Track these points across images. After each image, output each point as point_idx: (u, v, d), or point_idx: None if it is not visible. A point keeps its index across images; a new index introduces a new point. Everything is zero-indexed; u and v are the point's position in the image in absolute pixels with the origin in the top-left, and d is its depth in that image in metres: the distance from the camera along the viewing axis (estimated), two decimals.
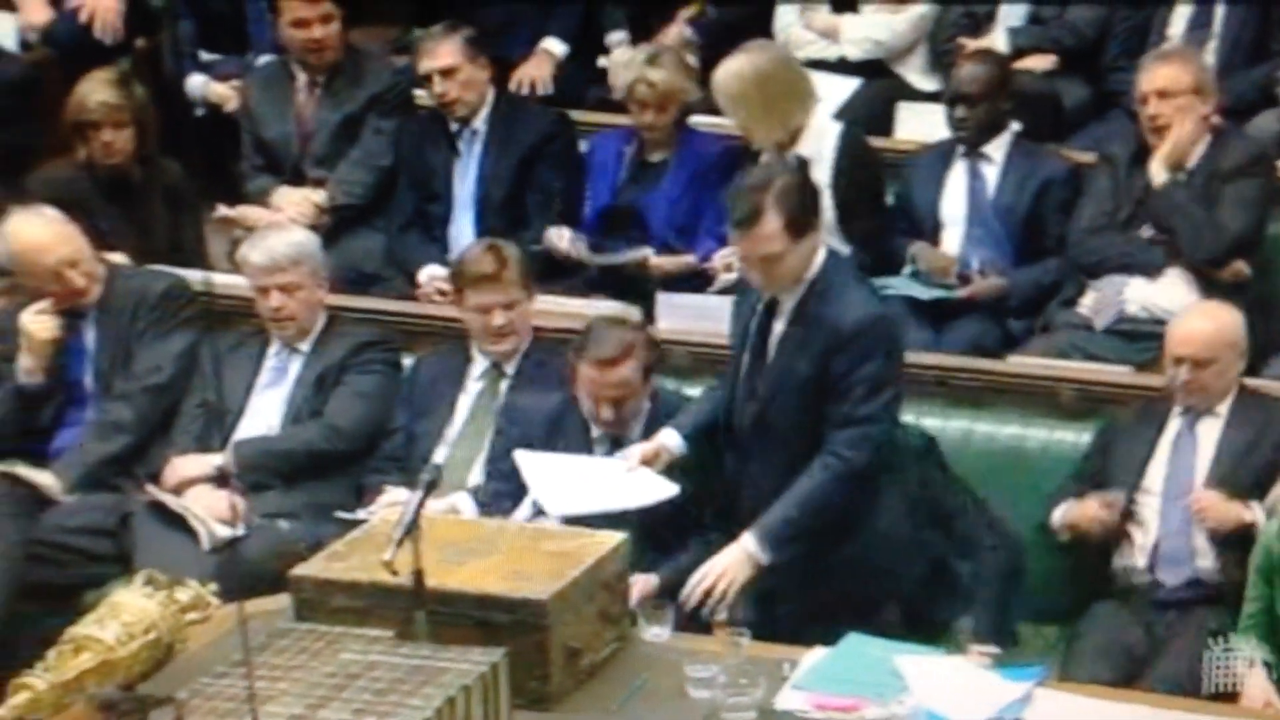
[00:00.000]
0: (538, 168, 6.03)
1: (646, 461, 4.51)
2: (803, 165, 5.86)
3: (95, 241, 5.63)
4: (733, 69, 5.79)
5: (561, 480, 4.32)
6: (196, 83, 6.77)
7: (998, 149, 5.87)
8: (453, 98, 6.04)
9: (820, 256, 4.47)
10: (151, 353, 5.48)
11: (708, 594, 4.42)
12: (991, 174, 5.87)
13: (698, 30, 6.74)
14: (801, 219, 4.41)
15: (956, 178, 5.89)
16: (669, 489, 4.34)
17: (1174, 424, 4.94)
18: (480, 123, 6.08)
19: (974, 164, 5.88)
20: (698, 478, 4.67)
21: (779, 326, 4.48)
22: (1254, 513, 4.76)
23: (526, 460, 4.35)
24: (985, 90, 5.80)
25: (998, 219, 5.83)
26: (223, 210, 6.22)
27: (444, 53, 6.03)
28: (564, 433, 4.86)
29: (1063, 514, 4.95)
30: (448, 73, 6.02)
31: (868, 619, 4.35)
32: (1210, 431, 4.90)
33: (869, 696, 4.01)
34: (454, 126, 6.09)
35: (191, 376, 5.46)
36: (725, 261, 5.65)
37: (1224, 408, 4.91)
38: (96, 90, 6.04)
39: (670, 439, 4.59)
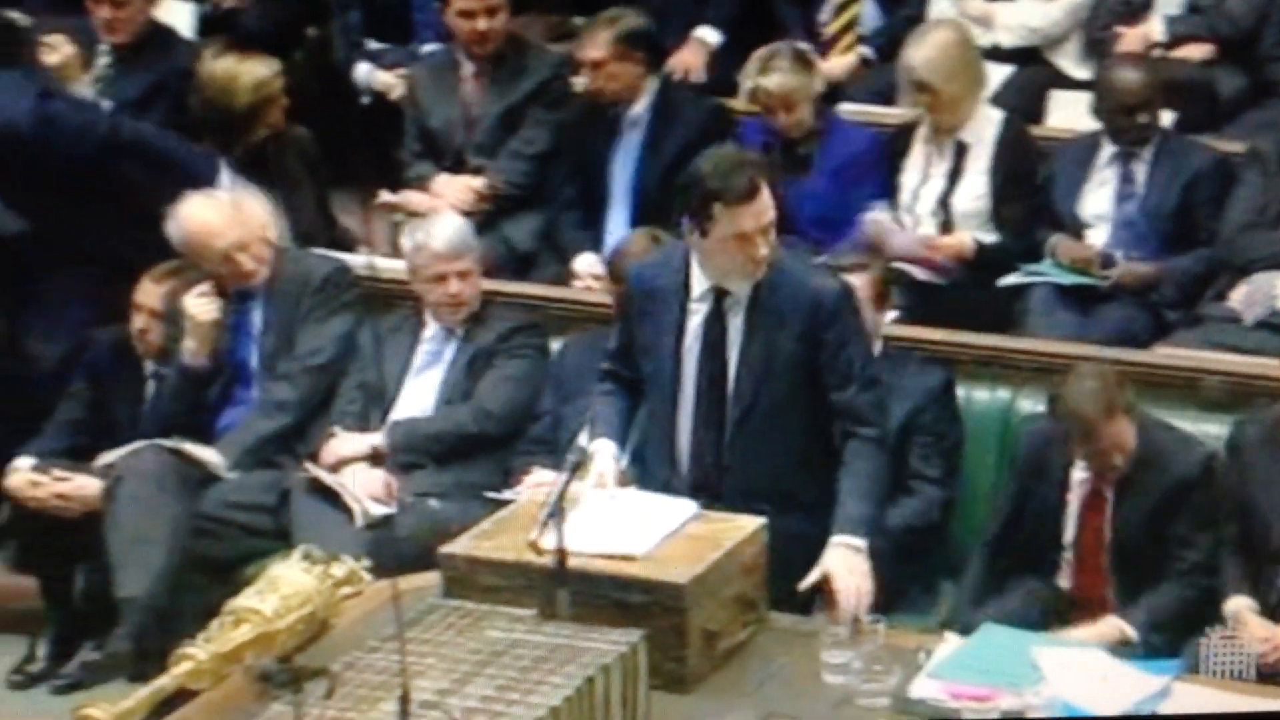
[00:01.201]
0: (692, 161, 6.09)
1: (623, 485, 4.48)
2: (962, 150, 5.89)
3: None
4: (944, 40, 5.83)
5: (605, 526, 4.24)
6: (362, 71, 6.92)
7: (1147, 147, 5.82)
8: (597, 88, 6.15)
9: None
10: (313, 334, 5.61)
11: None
12: (1141, 172, 5.82)
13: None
14: (776, 191, 4.45)
15: (1103, 175, 5.85)
16: (690, 506, 4.33)
17: None
18: (642, 110, 6.16)
19: (1124, 163, 5.84)
20: None
21: (736, 320, 4.45)
22: None
23: (576, 535, 4.17)
24: (1140, 101, 5.75)
25: (1145, 217, 5.79)
26: (385, 196, 6.36)
27: (594, 45, 6.13)
28: None
29: (1236, 615, 4.69)
30: (595, 65, 6.12)
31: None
32: None
33: (1004, 686, 4.02)
34: (615, 113, 6.16)
35: (351, 358, 5.59)
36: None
37: None
38: (258, 67, 6.14)
39: (614, 451, 4.50)
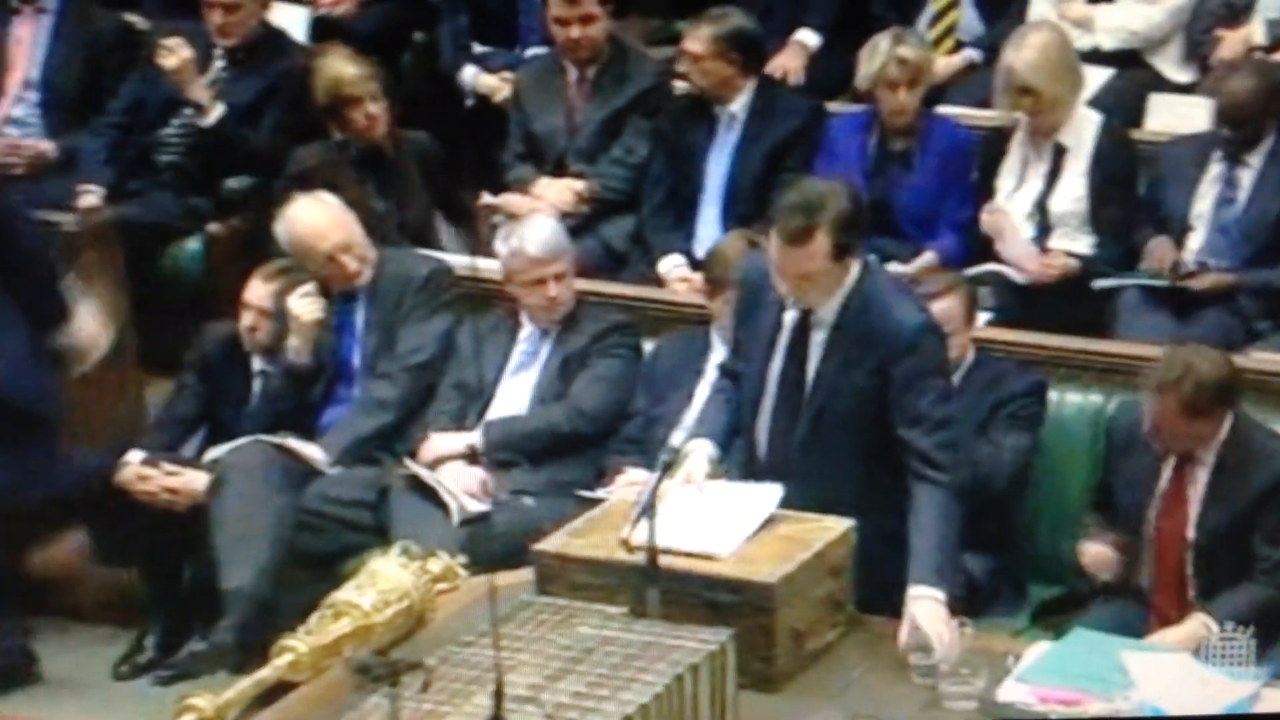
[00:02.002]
0: (787, 159, 6.11)
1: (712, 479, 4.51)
2: (1060, 153, 5.87)
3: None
4: (1045, 42, 5.83)
5: (692, 521, 4.30)
6: (468, 74, 7.00)
7: (1258, 154, 5.75)
8: (692, 79, 6.20)
9: (855, 271, 4.45)
10: (414, 334, 5.69)
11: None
12: (1246, 179, 5.75)
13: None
14: (847, 243, 4.40)
15: (1211, 179, 5.78)
16: (776, 491, 4.36)
17: None
18: (739, 108, 6.19)
19: (1230, 168, 5.77)
20: None
21: (819, 336, 4.47)
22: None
23: (663, 530, 4.21)
24: (1253, 111, 5.68)
25: (1239, 225, 5.71)
26: (487, 198, 6.44)
27: (695, 38, 6.18)
28: None
29: None
30: (694, 58, 6.18)
31: None
32: None
33: (1093, 691, 4.04)
34: (715, 110, 6.22)
35: (449, 357, 5.66)
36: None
37: None
38: (346, 66, 6.25)
39: (710, 451, 4.52)
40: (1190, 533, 4.77)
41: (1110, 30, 6.57)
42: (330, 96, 6.26)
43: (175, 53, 6.56)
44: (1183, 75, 6.51)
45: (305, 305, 5.68)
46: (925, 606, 4.29)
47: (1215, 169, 5.79)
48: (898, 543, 4.38)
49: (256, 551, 5.37)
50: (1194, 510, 4.76)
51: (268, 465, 5.49)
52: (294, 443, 5.58)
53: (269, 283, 5.82)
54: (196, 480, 5.56)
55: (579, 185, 6.34)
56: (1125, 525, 4.82)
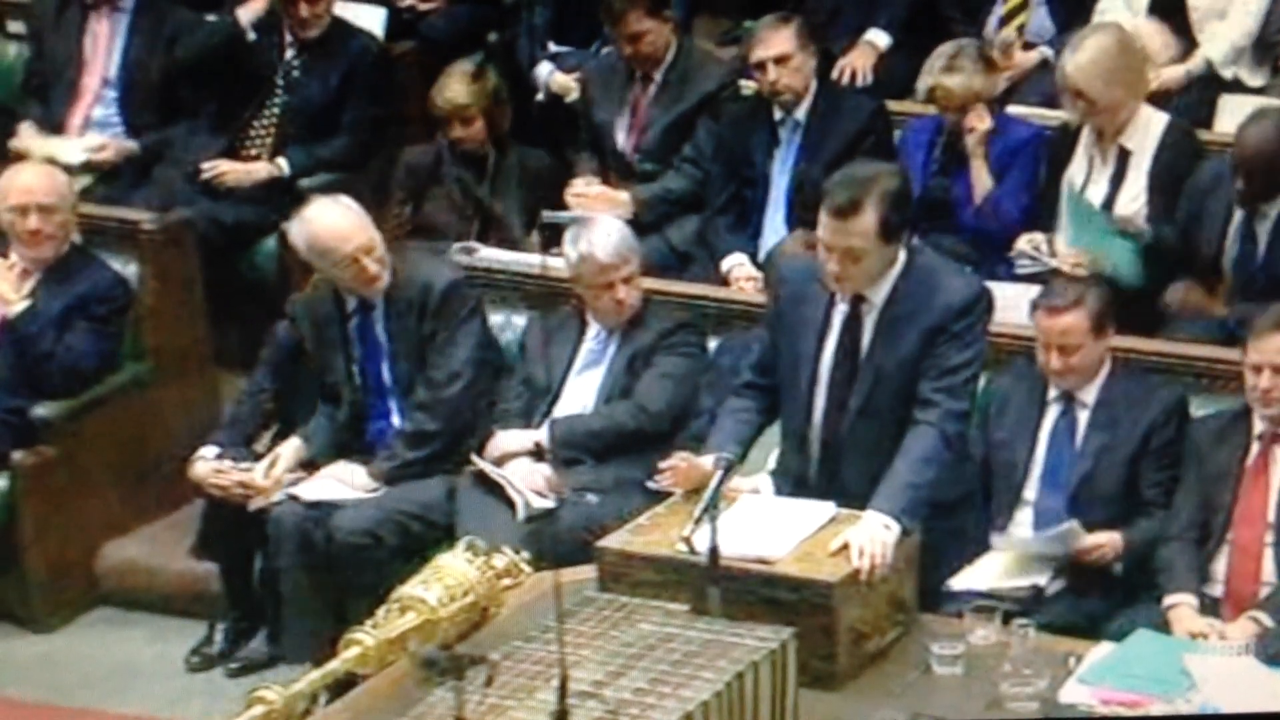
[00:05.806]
0: (851, 160, 6.09)
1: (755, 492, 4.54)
2: (1124, 156, 5.83)
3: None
4: (1101, 45, 5.76)
5: (747, 530, 4.31)
6: (543, 70, 7.03)
7: (1276, 206, 5.54)
8: (783, 85, 6.14)
9: (901, 257, 4.46)
10: (445, 358, 5.52)
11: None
12: (1263, 232, 5.56)
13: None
14: (895, 222, 4.41)
15: (1234, 226, 5.62)
16: (828, 508, 4.38)
17: None
18: (802, 113, 6.19)
19: (1248, 222, 5.60)
20: None
21: (870, 323, 4.48)
22: None
23: (725, 539, 4.22)
24: (1267, 163, 5.46)
25: (1264, 273, 5.54)
26: (546, 215, 6.42)
27: (779, 40, 6.13)
28: None
29: None
30: (781, 60, 6.12)
31: None
32: None
33: (1155, 693, 4.04)
34: (778, 115, 6.22)
35: (488, 365, 5.61)
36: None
37: None
38: (448, 87, 6.33)
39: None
40: (1271, 514, 4.71)
41: (1219, 47, 6.37)
42: (431, 108, 6.37)
43: None
44: (1254, 78, 6.43)
45: None
46: (868, 524, 4.27)
47: (1238, 218, 5.57)
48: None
49: None
50: (1275, 492, 4.71)
51: None
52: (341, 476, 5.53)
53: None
54: None
55: (622, 195, 6.31)
56: (1209, 525, 4.77)
